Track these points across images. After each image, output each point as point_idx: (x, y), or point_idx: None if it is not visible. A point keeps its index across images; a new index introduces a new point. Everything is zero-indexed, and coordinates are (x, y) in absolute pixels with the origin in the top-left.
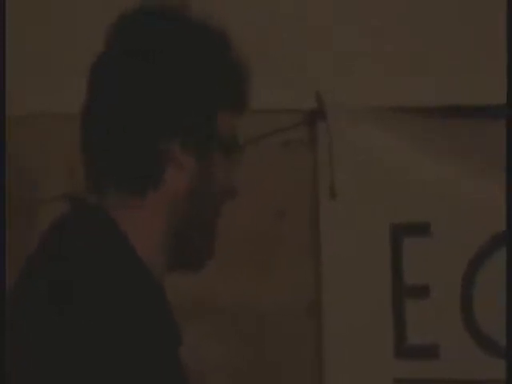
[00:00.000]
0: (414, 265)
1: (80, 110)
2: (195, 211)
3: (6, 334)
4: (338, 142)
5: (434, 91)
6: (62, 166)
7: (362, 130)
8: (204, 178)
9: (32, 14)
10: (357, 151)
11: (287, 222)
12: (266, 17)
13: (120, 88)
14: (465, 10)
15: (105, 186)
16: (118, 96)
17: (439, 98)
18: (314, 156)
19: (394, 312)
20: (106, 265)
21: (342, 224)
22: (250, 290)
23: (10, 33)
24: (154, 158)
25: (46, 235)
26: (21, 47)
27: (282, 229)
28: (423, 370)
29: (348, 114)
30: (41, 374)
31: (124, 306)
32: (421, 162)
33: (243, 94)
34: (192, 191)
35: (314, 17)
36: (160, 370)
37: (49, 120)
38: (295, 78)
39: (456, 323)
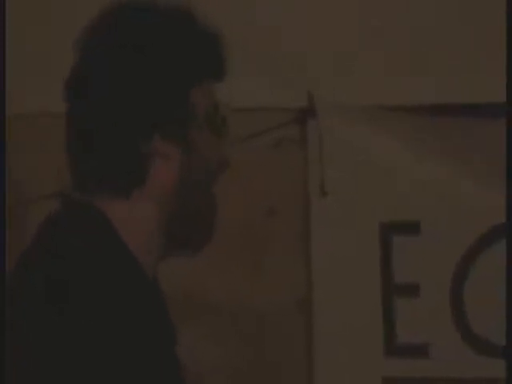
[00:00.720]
0: (404, 263)
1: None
2: (185, 199)
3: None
4: (329, 140)
5: (426, 90)
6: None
7: (352, 128)
8: (192, 162)
9: (32, 14)
10: (347, 150)
11: (278, 220)
12: (257, 15)
13: (97, 87)
14: (460, 8)
15: (90, 185)
16: (96, 95)
17: (431, 97)
18: (304, 154)
19: (383, 310)
20: (99, 262)
21: (333, 222)
22: (240, 287)
23: (10, 33)
24: (137, 155)
25: (39, 231)
26: (21, 47)
27: (272, 227)
28: (413, 368)
29: (339, 112)
30: (33, 368)
31: (118, 304)
32: (411, 160)
33: (219, 61)
34: (181, 180)
35: (306, 16)
36: (155, 368)
37: (48, 119)
38: (286, 77)
39: (446, 322)
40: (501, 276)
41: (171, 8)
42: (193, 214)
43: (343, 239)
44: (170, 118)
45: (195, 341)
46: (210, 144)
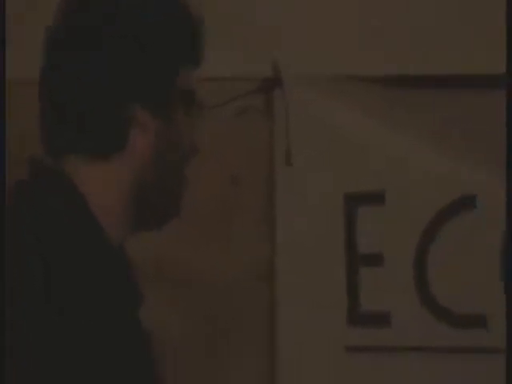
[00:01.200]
0: (369, 233)
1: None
2: (160, 171)
3: None
4: (294, 110)
5: (393, 61)
6: None
7: (318, 98)
8: (168, 137)
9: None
10: (313, 120)
11: (242, 190)
12: None
13: (78, 53)
14: None
15: (65, 150)
16: (78, 60)
17: (397, 68)
18: (270, 124)
19: (347, 280)
20: (63, 227)
21: (297, 192)
22: (205, 256)
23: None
24: (117, 121)
25: (8, 196)
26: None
27: (236, 196)
28: (375, 337)
29: (305, 82)
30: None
31: (81, 269)
32: (377, 131)
33: (199, 46)
34: (157, 152)
35: None
36: (118, 330)
37: None
38: (252, 46)
39: (409, 291)
40: (463, 246)
41: None
42: (164, 189)
43: (308, 209)
44: (151, 90)
45: (161, 310)
46: (184, 126)
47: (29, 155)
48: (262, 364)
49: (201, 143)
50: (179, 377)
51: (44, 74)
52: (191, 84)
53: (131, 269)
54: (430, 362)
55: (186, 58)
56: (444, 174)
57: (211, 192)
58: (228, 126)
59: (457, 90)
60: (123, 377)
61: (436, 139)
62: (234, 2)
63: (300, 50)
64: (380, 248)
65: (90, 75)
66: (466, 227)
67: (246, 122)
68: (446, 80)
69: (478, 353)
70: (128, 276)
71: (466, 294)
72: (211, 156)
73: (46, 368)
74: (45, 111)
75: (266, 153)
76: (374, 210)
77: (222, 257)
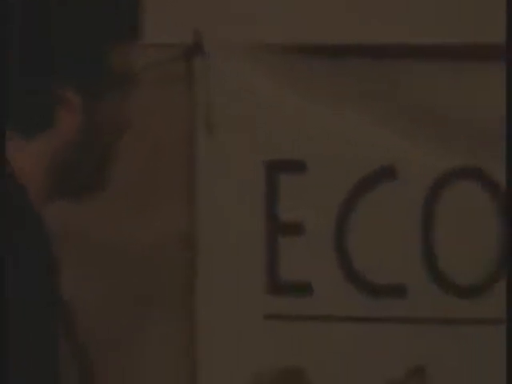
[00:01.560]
0: (290, 202)
1: None
2: (86, 148)
3: None
4: (216, 78)
5: (315, 30)
6: None
7: (239, 67)
8: (98, 115)
9: None
10: (233, 88)
11: (163, 158)
12: None
13: (10, 29)
14: None
15: None
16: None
17: (318, 37)
18: (191, 92)
19: (267, 248)
20: None
21: (218, 160)
22: (124, 224)
23: None
24: (44, 100)
25: None
26: None
27: (157, 164)
28: (295, 306)
29: (225, 50)
30: None
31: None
32: (297, 100)
33: (135, 23)
34: (85, 130)
35: None
36: (32, 293)
37: None
38: (173, 13)
39: (329, 261)
40: (383, 217)
41: None
42: (88, 165)
43: (228, 177)
44: (80, 68)
45: (80, 278)
46: (116, 103)
47: None
48: (181, 332)
49: (133, 118)
50: (101, 342)
51: None
52: (127, 62)
53: (49, 236)
54: (349, 331)
55: (121, 35)
56: (365, 144)
57: (132, 162)
58: (149, 93)
59: (380, 61)
60: (38, 346)
61: (357, 110)
62: None
63: (221, 18)
64: (301, 217)
65: (17, 54)
66: (386, 198)
67: (166, 90)
68: (369, 50)
69: (397, 323)
70: (46, 245)
71: (385, 264)
72: (129, 125)
73: None
74: None
75: (186, 120)
76: (294, 178)
77: (144, 226)
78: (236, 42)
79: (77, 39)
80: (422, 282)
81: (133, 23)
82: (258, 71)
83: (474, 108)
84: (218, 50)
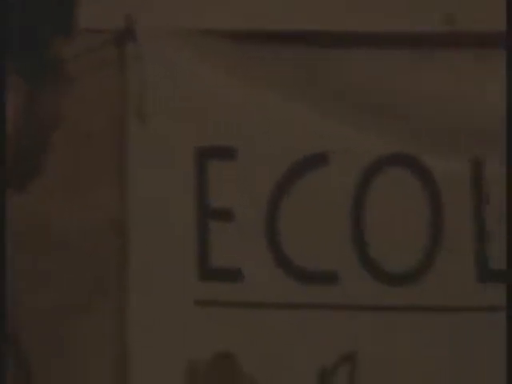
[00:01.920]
0: (220, 188)
1: None
2: (23, 137)
3: None
4: (148, 64)
5: (252, 16)
6: None
7: (172, 52)
8: (38, 104)
9: None
10: (166, 74)
11: (95, 144)
12: None
13: None
14: None
15: None
16: None
17: (254, 23)
18: (123, 78)
19: (198, 234)
20: None
21: (150, 147)
22: (56, 210)
23: None
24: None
25: None
26: None
27: (89, 151)
28: (226, 292)
29: (159, 36)
30: None
31: None
32: (231, 87)
33: (72, 16)
34: (24, 118)
35: None
36: None
37: None
38: None
39: (260, 247)
40: (314, 204)
41: None
42: (25, 152)
43: (160, 163)
44: (25, 56)
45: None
46: (54, 94)
47: None
48: (111, 316)
49: (67, 105)
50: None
51: None
52: (63, 53)
53: None
54: (280, 318)
55: (59, 27)
56: (297, 131)
57: (64, 146)
58: (81, 79)
59: (314, 48)
60: None
61: (291, 96)
62: None
63: (154, 3)
64: (231, 204)
65: None
66: (317, 185)
67: (98, 76)
68: (307, 37)
69: (328, 309)
70: None
71: (316, 250)
72: (64, 112)
73: None
74: None
75: (119, 107)
76: (225, 164)
77: (76, 214)
78: (169, 28)
79: (21, 29)
80: (354, 268)
81: (69, 15)
82: (191, 58)
83: (410, 94)
84: (150, 37)
